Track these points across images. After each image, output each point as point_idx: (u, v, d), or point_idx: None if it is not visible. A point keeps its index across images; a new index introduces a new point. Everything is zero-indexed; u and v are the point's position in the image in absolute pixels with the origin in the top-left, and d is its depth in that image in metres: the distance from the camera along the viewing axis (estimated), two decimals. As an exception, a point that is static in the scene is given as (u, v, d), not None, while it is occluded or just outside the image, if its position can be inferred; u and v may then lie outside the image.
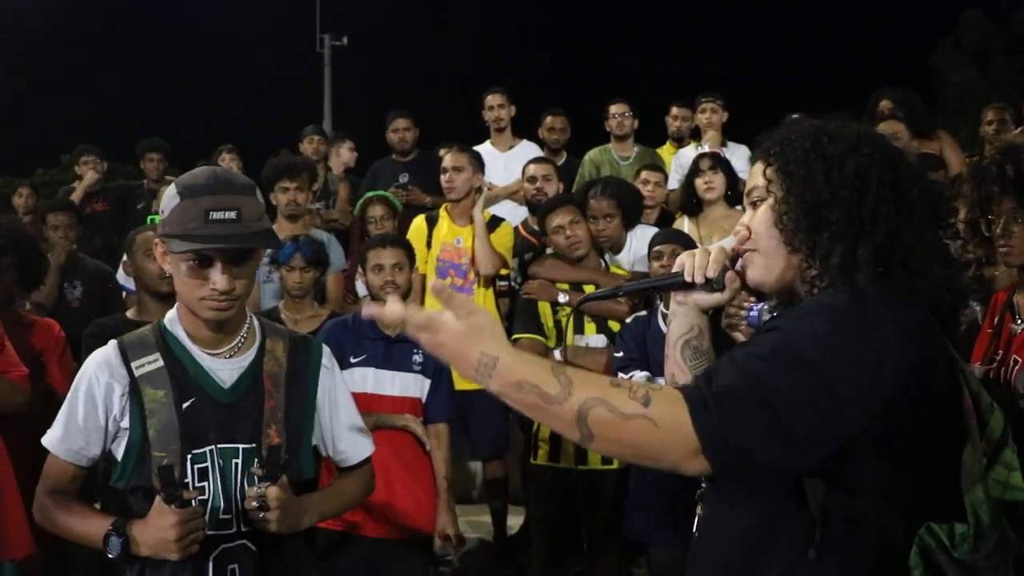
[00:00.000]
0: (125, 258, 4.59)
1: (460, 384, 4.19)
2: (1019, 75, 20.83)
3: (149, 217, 6.18)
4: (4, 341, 3.51)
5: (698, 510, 1.79)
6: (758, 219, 1.74)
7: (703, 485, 1.77)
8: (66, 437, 2.29)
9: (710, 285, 1.82)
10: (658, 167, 6.25)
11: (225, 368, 2.29)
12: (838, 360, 1.50)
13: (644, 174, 6.00)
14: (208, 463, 2.22)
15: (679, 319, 1.88)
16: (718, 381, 1.50)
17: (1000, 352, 2.96)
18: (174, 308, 2.33)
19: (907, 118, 5.94)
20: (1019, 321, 2.96)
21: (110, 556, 2.20)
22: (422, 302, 5.30)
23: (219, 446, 2.23)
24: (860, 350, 1.51)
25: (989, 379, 2.94)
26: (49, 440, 2.32)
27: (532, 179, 5.66)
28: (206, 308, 2.21)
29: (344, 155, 7.55)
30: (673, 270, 1.89)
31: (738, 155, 6.58)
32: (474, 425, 5.01)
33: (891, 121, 5.77)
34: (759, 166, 1.75)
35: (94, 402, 2.26)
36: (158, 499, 2.17)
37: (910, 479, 1.56)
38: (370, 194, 6.07)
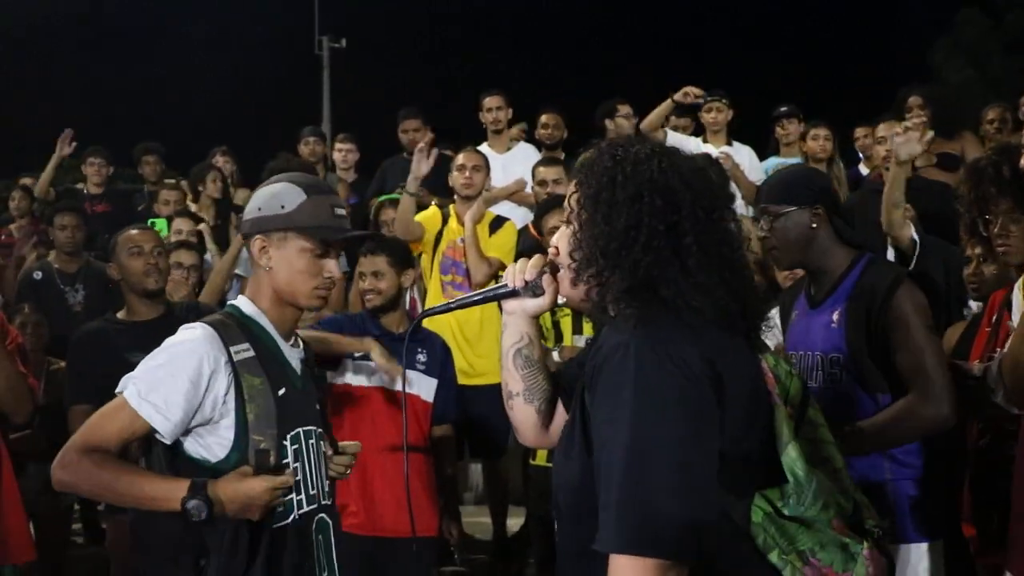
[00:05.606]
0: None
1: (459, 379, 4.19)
2: (1017, 75, 20.84)
3: (150, 220, 6.17)
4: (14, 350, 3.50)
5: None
6: (562, 241, 1.81)
7: None
8: (153, 395, 2.20)
9: (530, 289, 1.88)
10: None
11: (294, 357, 2.43)
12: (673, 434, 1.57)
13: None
14: (299, 444, 2.35)
15: (510, 328, 1.95)
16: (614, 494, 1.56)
17: (998, 349, 2.98)
18: (245, 299, 2.39)
19: (933, 116, 5.97)
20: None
21: (193, 519, 2.14)
22: (423, 301, 5.34)
23: (302, 429, 2.37)
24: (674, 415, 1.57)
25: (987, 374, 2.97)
26: (130, 393, 2.22)
27: (542, 183, 5.49)
28: (317, 297, 2.37)
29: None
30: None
31: (742, 154, 6.55)
32: (474, 425, 4.94)
33: None
34: (572, 186, 1.79)
35: (199, 377, 2.23)
36: (248, 468, 2.22)
37: (743, 461, 1.65)
38: (383, 198, 6.02)
